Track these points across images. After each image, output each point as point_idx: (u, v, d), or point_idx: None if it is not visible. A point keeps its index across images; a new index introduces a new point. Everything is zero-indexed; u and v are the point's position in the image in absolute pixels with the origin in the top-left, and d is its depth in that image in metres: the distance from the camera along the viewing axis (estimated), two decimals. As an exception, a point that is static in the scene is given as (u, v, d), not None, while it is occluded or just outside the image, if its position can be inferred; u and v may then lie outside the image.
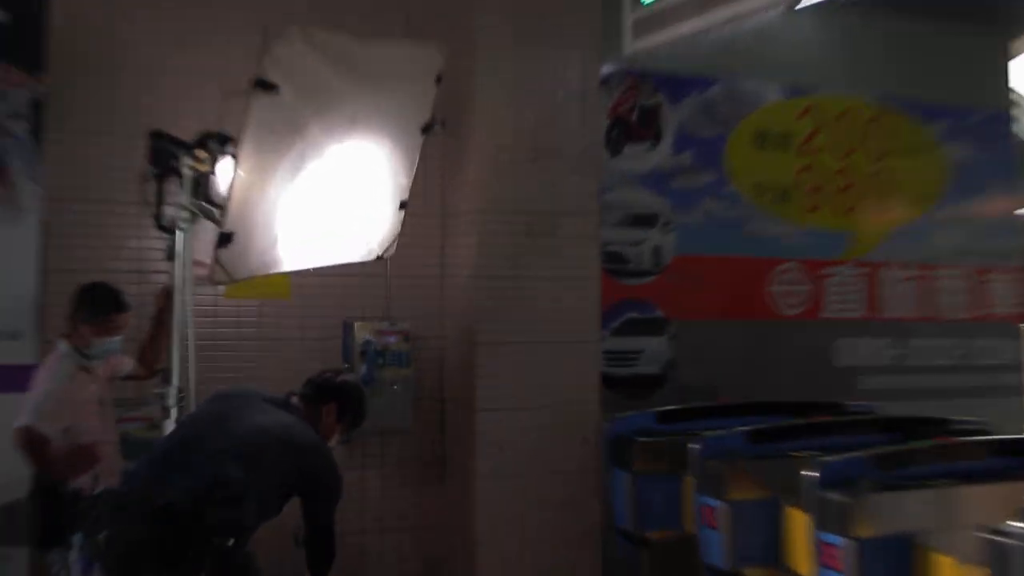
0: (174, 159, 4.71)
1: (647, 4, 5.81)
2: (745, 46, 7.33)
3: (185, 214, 4.63)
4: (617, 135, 7.14)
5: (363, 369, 5.91)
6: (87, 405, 4.57)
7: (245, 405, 4.07)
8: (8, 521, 4.80)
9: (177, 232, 4.66)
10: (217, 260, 4.33)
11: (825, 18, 7.46)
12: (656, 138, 7.29)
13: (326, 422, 4.22)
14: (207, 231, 4.64)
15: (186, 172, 4.63)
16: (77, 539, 3.93)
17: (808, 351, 7.59)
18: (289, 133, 4.41)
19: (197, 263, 4.72)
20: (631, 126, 7.20)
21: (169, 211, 4.84)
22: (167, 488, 3.61)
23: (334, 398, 4.26)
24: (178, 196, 4.75)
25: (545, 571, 6.00)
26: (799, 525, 4.52)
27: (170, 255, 4.73)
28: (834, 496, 4.23)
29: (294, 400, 4.23)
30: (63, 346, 4.61)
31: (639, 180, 7.20)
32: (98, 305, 4.64)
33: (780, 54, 7.55)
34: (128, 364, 4.96)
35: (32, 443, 4.32)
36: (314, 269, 5.05)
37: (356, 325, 6.00)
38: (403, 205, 5.17)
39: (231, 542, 3.63)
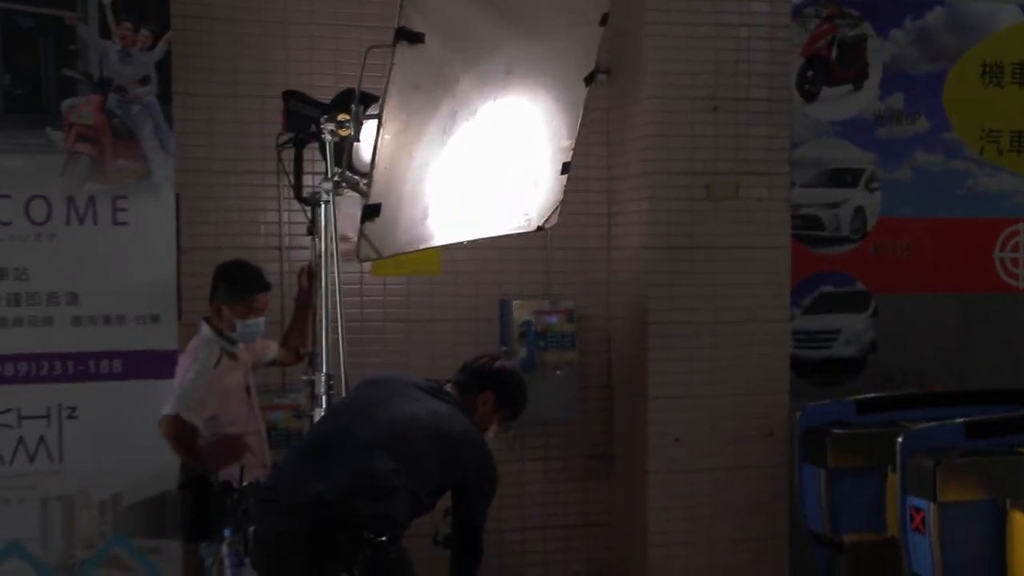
0: (312, 123, 4.98)
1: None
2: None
3: (327, 184, 4.86)
4: (813, 77, 7.19)
5: (523, 353, 6.23)
6: (233, 393, 5.03)
7: (395, 392, 4.33)
8: (158, 513, 5.36)
9: (320, 204, 4.92)
10: (363, 235, 4.45)
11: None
12: (860, 78, 7.30)
13: (482, 412, 4.45)
14: (352, 203, 4.87)
15: (326, 137, 4.87)
16: (227, 533, 4.35)
17: (1044, 330, 7.53)
18: (437, 90, 4.50)
19: (342, 238, 5.01)
20: (829, 65, 7.24)
21: (309, 181, 5.23)
22: (314, 481, 3.91)
23: (490, 386, 4.48)
24: (319, 164, 5.06)
25: (725, 578, 6.22)
26: (1024, 531, 4.61)
27: (312, 230, 5.06)
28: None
29: (448, 387, 4.47)
30: (206, 330, 5.06)
31: (838, 130, 7.24)
32: (238, 284, 5.08)
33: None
34: (273, 349, 5.42)
35: (179, 433, 4.79)
36: (467, 243, 5.29)
37: (514, 304, 6.31)
38: (565, 168, 5.24)
39: (384, 538, 3.89)
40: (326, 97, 5.12)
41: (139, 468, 5.30)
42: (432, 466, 4.13)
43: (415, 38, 4.25)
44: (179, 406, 4.81)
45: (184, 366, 5.00)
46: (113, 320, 5.41)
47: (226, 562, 4.41)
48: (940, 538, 4.91)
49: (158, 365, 5.33)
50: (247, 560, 4.12)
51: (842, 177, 7.25)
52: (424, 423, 4.16)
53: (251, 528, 4.07)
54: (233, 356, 5.07)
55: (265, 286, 5.14)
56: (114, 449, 5.32)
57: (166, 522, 5.35)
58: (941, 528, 4.90)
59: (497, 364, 4.60)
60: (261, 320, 5.10)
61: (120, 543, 5.42)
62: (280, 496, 4.01)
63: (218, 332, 5.05)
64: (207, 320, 5.09)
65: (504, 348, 6.30)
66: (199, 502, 4.63)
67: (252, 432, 5.11)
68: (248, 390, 5.16)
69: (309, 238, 5.20)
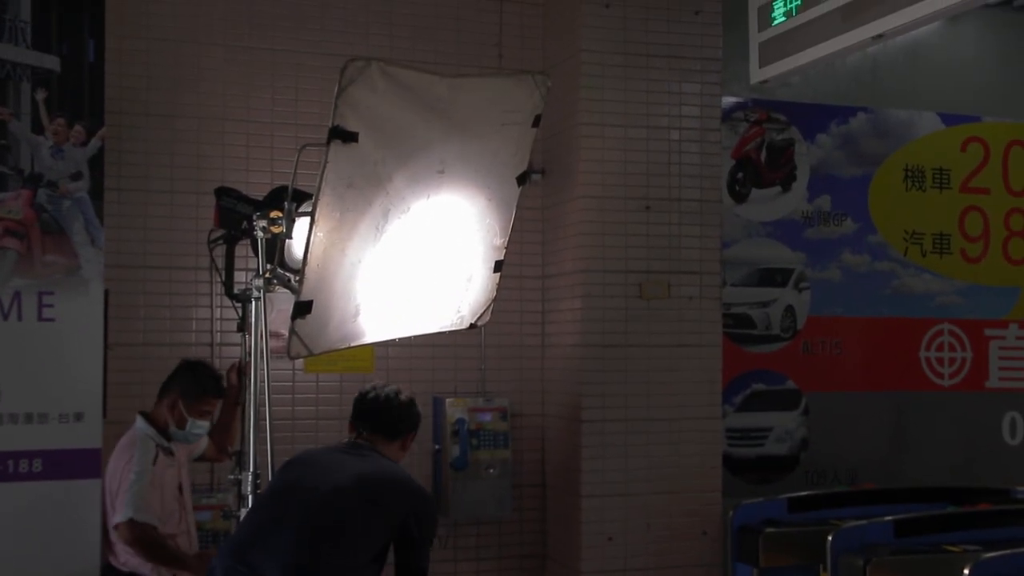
0: (245, 219, 4.91)
1: (776, 23, 5.83)
2: (894, 68, 7.46)
3: (258, 281, 4.73)
4: (743, 179, 7.28)
5: (455, 451, 6.15)
6: (167, 490, 4.86)
7: (316, 467, 4.26)
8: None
9: (251, 301, 4.77)
10: (294, 332, 4.39)
11: (992, 32, 7.58)
12: (788, 181, 7.41)
13: (407, 449, 4.49)
14: (285, 300, 4.80)
15: (259, 234, 4.75)
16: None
17: (970, 428, 7.58)
18: (370, 187, 4.49)
19: (274, 335, 4.95)
20: (759, 168, 7.34)
21: (242, 277, 5.14)
22: (247, 580, 3.80)
23: (412, 426, 4.50)
24: (252, 261, 4.95)
25: None
26: (953, 631, 4.56)
27: (242, 327, 4.95)
28: (994, 599, 4.30)
29: (362, 440, 4.40)
30: (141, 423, 4.90)
31: (768, 230, 7.32)
32: (201, 383, 4.99)
33: (937, 76, 7.66)
34: (203, 444, 5.26)
35: (139, 536, 4.59)
36: (400, 340, 5.24)
37: (447, 401, 6.24)
38: (498, 267, 5.20)
39: None
40: (262, 194, 5.09)
41: (58, 571, 5.08)
42: (368, 530, 4.03)
43: (349, 137, 4.25)
44: (130, 510, 4.63)
45: (119, 467, 4.80)
46: (35, 418, 5.22)
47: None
48: (871, 637, 4.88)
49: (81, 465, 5.14)
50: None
51: (772, 277, 7.31)
52: (350, 490, 4.08)
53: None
54: (169, 452, 4.92)
55: (221, 391, 5.06)
56: (32, 551, 5.08)
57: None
58: (872, 627, 4.88)
59: (403, 397, 4.52)
60: (206, 424, 5.02)
61: (33, 650, 5.18)
62: None
63: (154, 427, 4.90)
64: (144, 415, 4.94)
65: (437, 446, 6.23)
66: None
67: (183, 532, 4.93)
68: (180, 488, 4.99)
69: (240, 335, 5.09)
